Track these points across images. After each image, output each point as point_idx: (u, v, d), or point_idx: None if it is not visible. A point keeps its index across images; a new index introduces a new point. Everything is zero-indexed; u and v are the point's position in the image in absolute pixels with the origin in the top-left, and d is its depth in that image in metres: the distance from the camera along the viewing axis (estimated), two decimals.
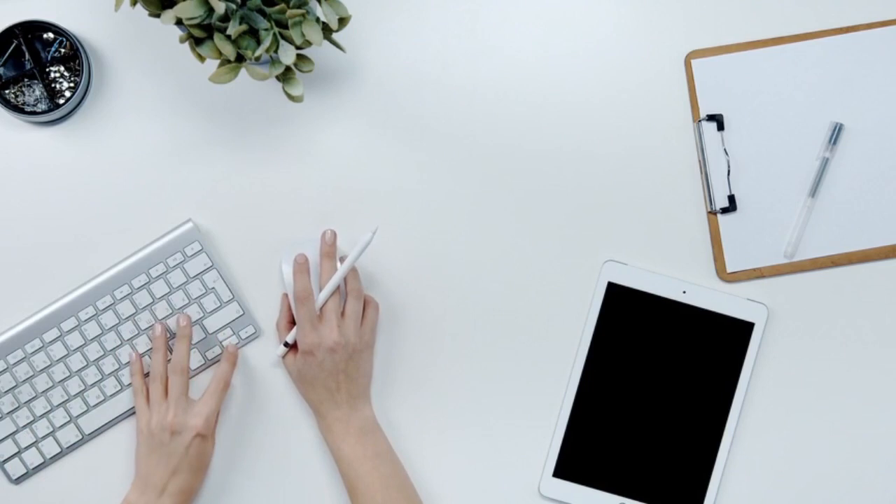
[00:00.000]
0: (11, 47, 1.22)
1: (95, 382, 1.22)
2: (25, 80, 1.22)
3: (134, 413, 1.23)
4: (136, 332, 1.22)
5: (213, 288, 1.23)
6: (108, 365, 1.22)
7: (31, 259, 1.23)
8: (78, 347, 1.22)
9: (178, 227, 1.23)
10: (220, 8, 1.05)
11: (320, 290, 1.19)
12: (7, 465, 1.22)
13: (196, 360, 1.23)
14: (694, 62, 1.25)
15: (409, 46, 1.25)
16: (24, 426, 1.22)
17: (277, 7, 1.08)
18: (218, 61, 1.14)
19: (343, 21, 1.11)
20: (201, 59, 1.10)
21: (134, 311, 1.22)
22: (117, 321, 1.22)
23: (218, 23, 1.08)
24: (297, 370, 1.20)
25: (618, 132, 1.25)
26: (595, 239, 1.25)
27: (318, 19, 1.10)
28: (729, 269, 1.24)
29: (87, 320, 1.22)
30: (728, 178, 1.24)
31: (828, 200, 1.24)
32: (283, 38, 1.10)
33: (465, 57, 1.25)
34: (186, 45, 1.23)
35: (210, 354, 1.23)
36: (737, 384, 1.23)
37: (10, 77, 1.22)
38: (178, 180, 1.24)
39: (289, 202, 1.24)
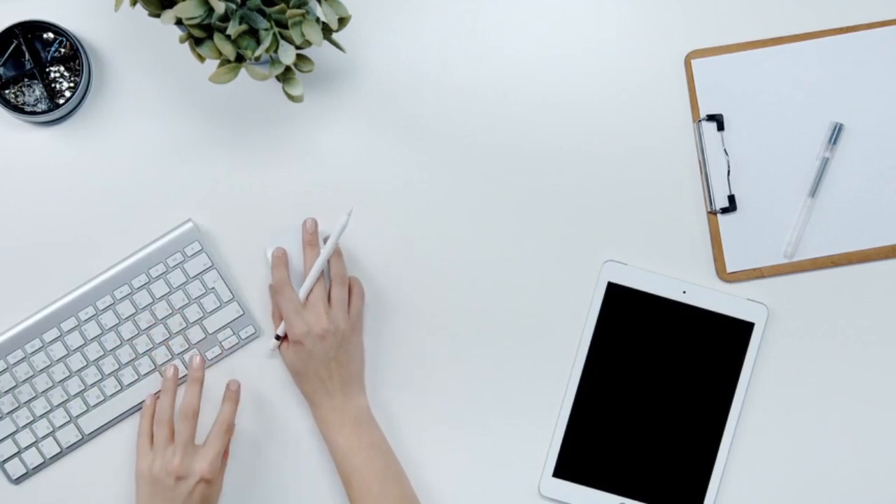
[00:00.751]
0: (11, 47, 1.22)
1: (95, 382, 1.22)
2: (25, 80, 1.22)
3: (134, 413, 1.23)
4: (136, 332, 1.22)
5: (213, 288, 1.23)
6: (108, 365, 1.22)
7: (31, 259, 1.23)
8: (78, 347, 1.22)
9: (178, 227, 1.23)
10: (220, 8, 1.05)
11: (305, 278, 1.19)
12: (7, 465, 1.22)
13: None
14: (694, 62, 1.25)
15: (409, 46, 1.25)
16: (24, 426, 1.22)
17: (277, 7, 1.08)
18: (218, 61, 1.14)
19: (343, 21, 1.11)
20: (201, 59, 1.10)
21: (134, 311, 1.22)
22: (117, 321, 1.22)
23: (218, 23, 1.08)
24: (289, 361, 1.20)
25: (618, 132, 1.25)
26: (595, 239, 1.25)
27: (318, 19, 1.10)
28: (729, 269, 1.24)
29: (87, 320, 1.22)
30: (728, 178, 1.24)
31: (828, 200, 1.24)
32: (283, 38, 1.10)
33: (465, 57, 1.25)
34: (186, 45, 1.23)
35: (210, 354, 1.23)
36: (737, 384, 1.23)
37: (10, 77, 1.22)
38: (178, 180, 1.24)
39: (289, 202, 1.24)
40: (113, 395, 1.22)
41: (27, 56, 1.22)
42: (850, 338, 1.25)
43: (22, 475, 1.22)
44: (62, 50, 1.23)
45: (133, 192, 1.24)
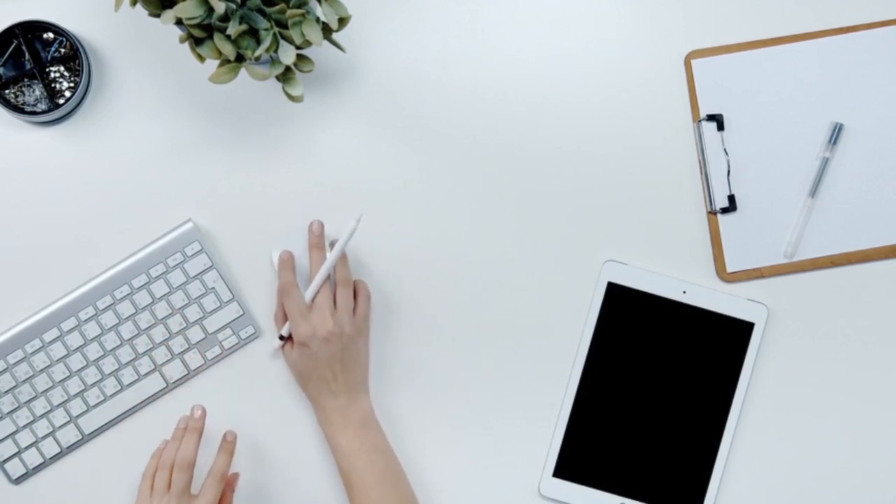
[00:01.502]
0: (11, 47, 1.22)
1: (95, 382, 1.22)
2: (25, 80, 1.22)
3: (134, 413, 1.23)
4: (136, 332, 1.22)
5: (213, 288, 1.23)
6: (108, 365, 1.22)
7: (31, 259, 1.23)
8: (78, 347, 1.22)
9: (178, 227, 1.23)
10: (220, 8, 1.05)
11: (311, 281, 1.19)
12: (7, 465, 1.22)
13: (196, 360, 1.23)
14: (694, 62, 1.25)
15: (409, 46, 1.25)
16: (24, 426, 1.22)
17: (277, 7, 1.08)
18: (218, 61, 1.14)
19: (343, 21, 1.11)
20: (201, 59, 1.10)
21: (134, 311, 1.22)
22: (117, 321, 1.22)
23: (218, 23, 1.08)
24: (293, 362, 1.20)
25: (618, 132, 1.25)
26: (595, 239, 1.25)
27: (318, 19, 1.10)
28: (729, 269, 1.24)
29: (87, 320, 1.22)
30: (728, 178, 1.24)
31: (828, 200, 1.24)
32: (283, 38, 1.10)
33: (465, 57, 1.25)
34: (186, 45, 1.23)
35: (210, 354, 1.23)
36: (737, 384, 1.23)
37: (10, 77, 1.22)
38: (178, 180, 1.24)
39: (289, 202, 1.24)
40: (113, 395, 1.22)
41: (27, 56, 1.22)
42: (850, 338, 1.25)
43: (22, 475, 1.22)
44: (62, 50, 1.23)
45: (133, 192, 1.24)
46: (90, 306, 1.22)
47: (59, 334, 1.22)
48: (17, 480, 1.22)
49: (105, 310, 1.22)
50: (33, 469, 1.22)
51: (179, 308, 1.22)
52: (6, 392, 1.21)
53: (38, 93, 1.22)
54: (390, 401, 1.24)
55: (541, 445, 1.24)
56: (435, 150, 1.25)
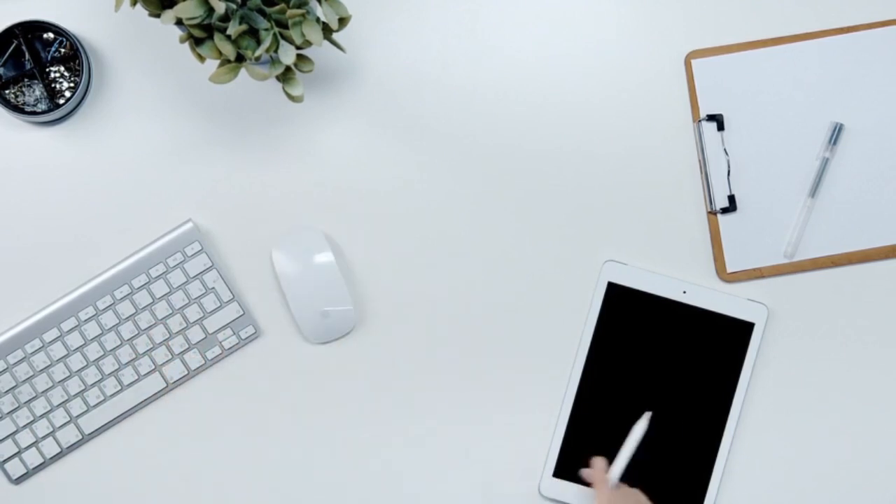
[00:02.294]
0: (11, 47, 1.22)
1: (95, 382, 1.22)
2: (25, 80, 1.22)
3: (134, 413, 1.23)
4: (136, 332, 1.22)
5: (213, 288, 1.23)
6: (108, 365, 1.22)
7: (31, 259, 1.23)
8: (78, 347, 1.22)
9: (178, 227, 1.23)
10: (220, 8, 1.05)
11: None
12: (7, 465, 1.22)
13: (196, 360, 1.23)
14: (694, 62, 1.25)
15: (409, 46, 1.25)
16: (24, 426, 1.22)
17: (277, 7, 1.08)
18: (218, 61, 1.14)
19: (343, 21, 1.11)
20: (201, 59, 1.10)
21: (134, 311, 1.22)
22: (117, 321, 1.22)
23: (218, 23, 1.08)
24: None
25: (618, 132, 1.25)
26: (595, 239, 1.25)
27: (318, 19, 1.10)
28: (729, 269, 1.24)
29: (87, 320, 1.22)
30: (728, 178, 1.24)
31: (828, 200, 1.24)
32: (283, 38, 1.10)
33: (465, 57, 1.25)
34: (186, 45, 1.23)
35: (210, 355, 1.23)
36: (737, 384, 1.23)
37: (10, 77, 1.22)
38: (178, 180, 1.24)
39: (289, 202, 1.24)
40: (113, 395, 1.22)
41: (27, 56, 1.22)
42: (850, 338, 1.25)
43: (22, 475, 1.22)
44: (62, 50, 1.23)
45: (133, 192, 1.24)
46: (90, 306, 1.22)
47: (59, 334, 1.22)
48: (17, 480, 1.22)
49: (105, 310, 1.22)
50: (33, 469, 1.22)
51: (179, 308, 1.22)
52: (6, 392, 1.21)
53: (38, 93, 1.22)
54: (389, 401, 1.24)
55: (541, 445, 1.24)
56: (435, 150, 1.25)
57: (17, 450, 1.22)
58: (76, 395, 1.22)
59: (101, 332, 1.22)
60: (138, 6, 1.24)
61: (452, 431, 1.24)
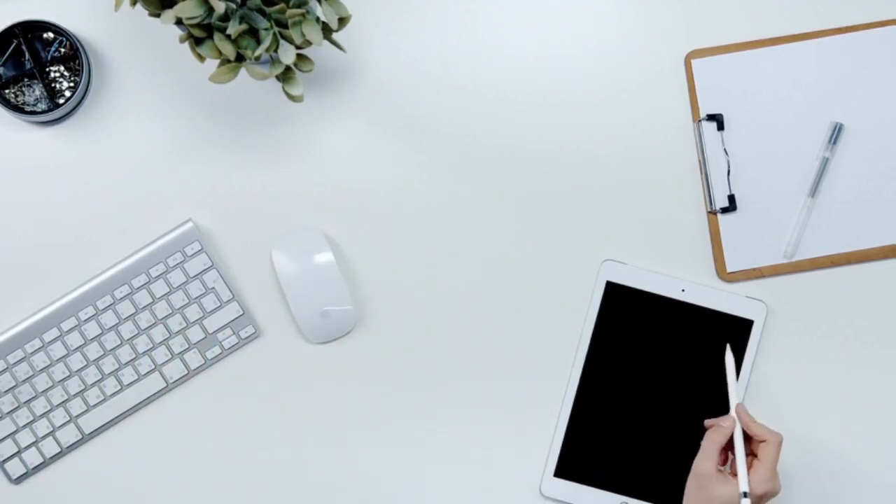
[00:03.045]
0: (11, 47, 1.22)
1: (95, 382, 1.22)
2: (25, 80, 1.22)
3: (134, 413, 1.23)
4: (136, 331, 1.22)
5: (213, 288, 1.23)
6: (108, 365, 1.22)
7: (31, 259, 1.23)
8: (78, 347, 1.22)
9: (178, 227, 1.23)
10: (220, 8, 1.05)
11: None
12: (7, 465, 1.22)
13: (196, 360, 1.23)
14: (694, 62, 1.25)
15: (409, 46, 1.25)
16: (24, 426, 1.22)
17: (277, 7, 1.08)
18: (218, 61, 1.14)
19: (343, 21, 1.11)
20: (201, 59, 1.10)
21: (134, 310, 1.22)
22: (117, 321, 1.22)
23: (218, 22, 1.08)
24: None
25: (618, 132, 1.25)
26: (594, 238, 1.25)
27: (318, 19, 1.10)
28: (729, 269, 1.24)
29: (87, 320, 1.22)
30: (728, 178, 1.24)
31: (828, 200, 1.25)
32: (283, 37, 1.10)
33: (465, 57, 1.25)
34: (186, 45, 1.23)
35: (210, 354, 1.23)
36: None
37: (10, 77, 1.22)
38: (178, 180, 1.24)
39: (289, 202, 1.24)
40: (113, 394, 1.22)
41: (27, 56, 1.22)
42: (850, 338, 1.25)
43: (22, 475, 1.22)
44: (62, 50, 1.23)
45: (133, 192, 1.24)
46: (90, 306, 1.22)
47: (59, 334, 1.22)
48: (17, 480, 1.22)
49: (105, 309, 1.22)
50: (33, 469, 1.22)
51: (179, 308, 1.22)
52: (6, 392, 1.21)
53: (38, 93, 1.22)
54: (389, 401, 1.24)
55: (542, 445, 1.24)
56: (435, 150, 1.25)
57: (16, 449, 1.22)
58: (76, 394, 1.22)
59: (101, 331, 1.22)
60: (138, 6, 1.24)
61: (453, 431, 1.24)
